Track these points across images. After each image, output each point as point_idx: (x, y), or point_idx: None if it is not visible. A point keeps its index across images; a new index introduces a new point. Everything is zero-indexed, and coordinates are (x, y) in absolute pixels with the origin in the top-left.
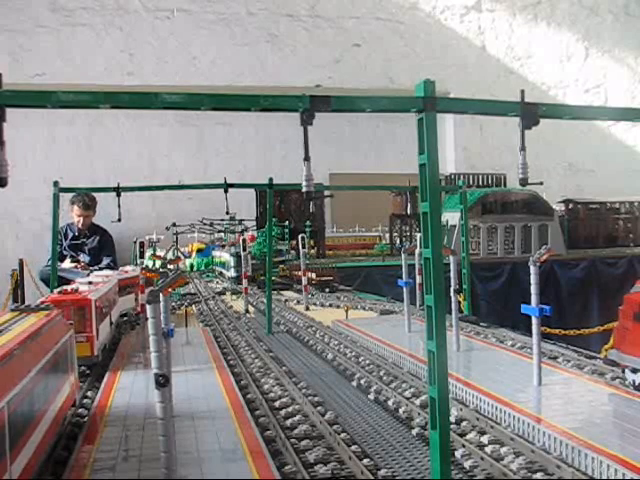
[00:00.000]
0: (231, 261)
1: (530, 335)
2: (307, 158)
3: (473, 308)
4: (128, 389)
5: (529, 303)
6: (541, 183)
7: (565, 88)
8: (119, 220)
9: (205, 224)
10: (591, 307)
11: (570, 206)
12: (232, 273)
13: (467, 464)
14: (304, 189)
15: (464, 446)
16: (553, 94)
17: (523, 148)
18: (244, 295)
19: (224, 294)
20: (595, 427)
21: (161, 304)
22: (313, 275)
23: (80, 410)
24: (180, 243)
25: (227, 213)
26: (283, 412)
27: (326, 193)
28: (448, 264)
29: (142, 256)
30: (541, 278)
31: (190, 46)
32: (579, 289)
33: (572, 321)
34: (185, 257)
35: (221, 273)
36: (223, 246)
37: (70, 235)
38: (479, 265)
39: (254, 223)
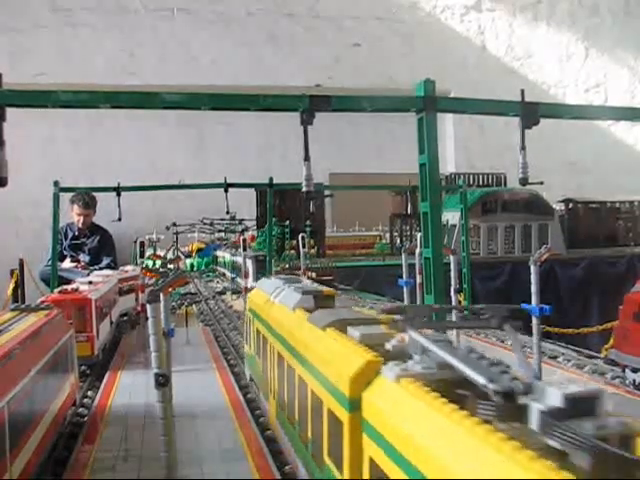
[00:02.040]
0: (249, 265)
1: (530, 334)
2: (307, 158)
3: None
4: (128, 389)
5: (529, 302)
6: (541, 182)
7: (565, 88)
8: (119, 219)
9: (205, 224)
10: (591, 307)
11: (570, 205)
12: (250, 283)
13: None
14: (304, 189)
15: None
16: (553, 94)
17: (523, 147)
18: (244, 294)
19: (224, 294)
20: None
21: (161, 304)
22: (313, 275)
23: (80, 410)
24: (180, 243)
25: (227, 213)
26: None
27: (326, 193)
28: (448, 264)
29: (142, 256)
30: (541, 278)
31: (190, 46)
32: (579, 289)
33: (572, 321)
34: (185, 257)
35: (232, 279)
36: (236, 247)
37: (70, 235)
38: (479, 265)
39: (254, 223)
